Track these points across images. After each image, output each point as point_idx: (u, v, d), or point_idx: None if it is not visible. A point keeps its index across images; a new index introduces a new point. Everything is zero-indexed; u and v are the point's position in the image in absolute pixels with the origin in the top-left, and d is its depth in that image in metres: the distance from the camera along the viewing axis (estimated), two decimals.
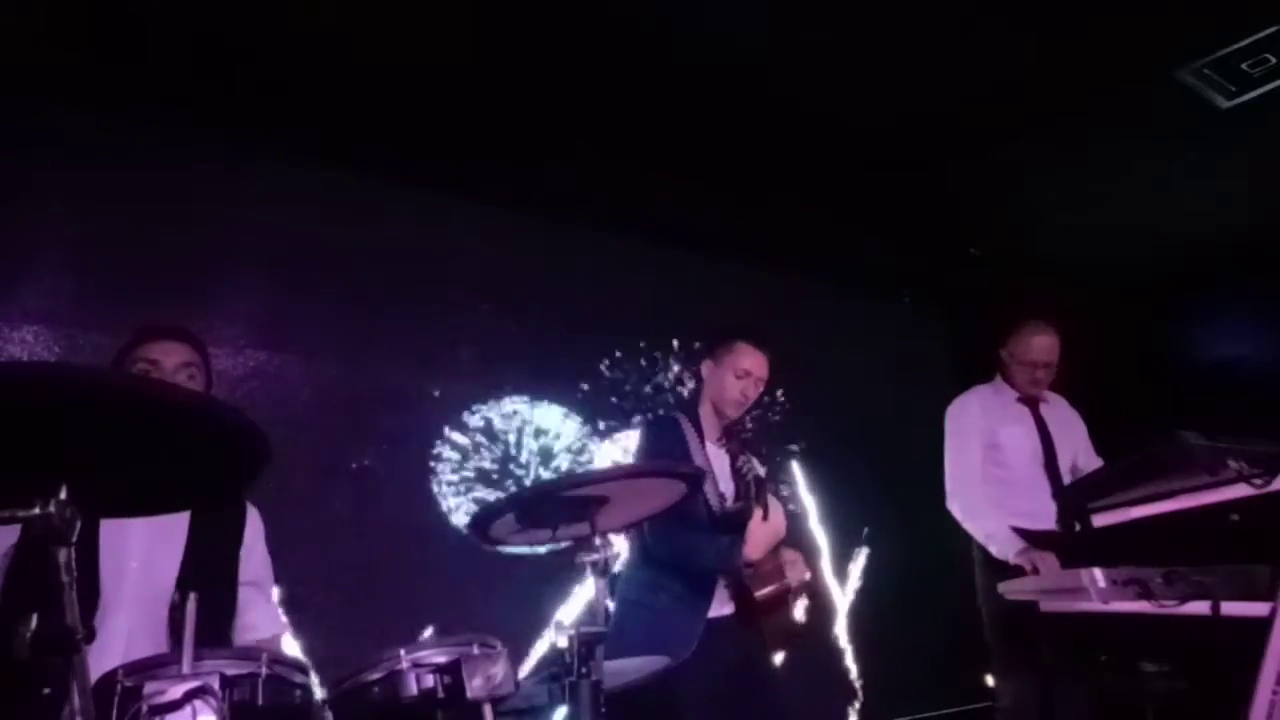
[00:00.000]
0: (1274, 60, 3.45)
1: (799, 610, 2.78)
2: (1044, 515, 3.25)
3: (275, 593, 2.42)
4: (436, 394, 3.87)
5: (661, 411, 4.22)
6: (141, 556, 2.03)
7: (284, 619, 2.38)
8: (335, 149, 3.70)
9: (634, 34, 3.25)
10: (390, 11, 3.03)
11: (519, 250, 4.20)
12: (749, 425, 4.58)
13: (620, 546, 3.20)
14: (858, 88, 3.69)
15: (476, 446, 3.89)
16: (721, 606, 2.67)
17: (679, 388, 4.49)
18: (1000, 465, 3.37)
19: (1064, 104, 3.82)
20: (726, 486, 2.76)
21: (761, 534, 2.61)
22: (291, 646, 3.02)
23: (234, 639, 2.18)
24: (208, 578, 2.02)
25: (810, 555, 4.80)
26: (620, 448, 4.30)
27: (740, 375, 2.81)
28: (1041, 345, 3.41)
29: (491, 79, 3.44)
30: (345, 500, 3.53)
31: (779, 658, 2.89)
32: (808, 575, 2.77)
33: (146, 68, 3.17)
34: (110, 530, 1.97)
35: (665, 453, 2.72)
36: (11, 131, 3.07)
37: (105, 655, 1.71)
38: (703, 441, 2.79)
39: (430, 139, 3.72)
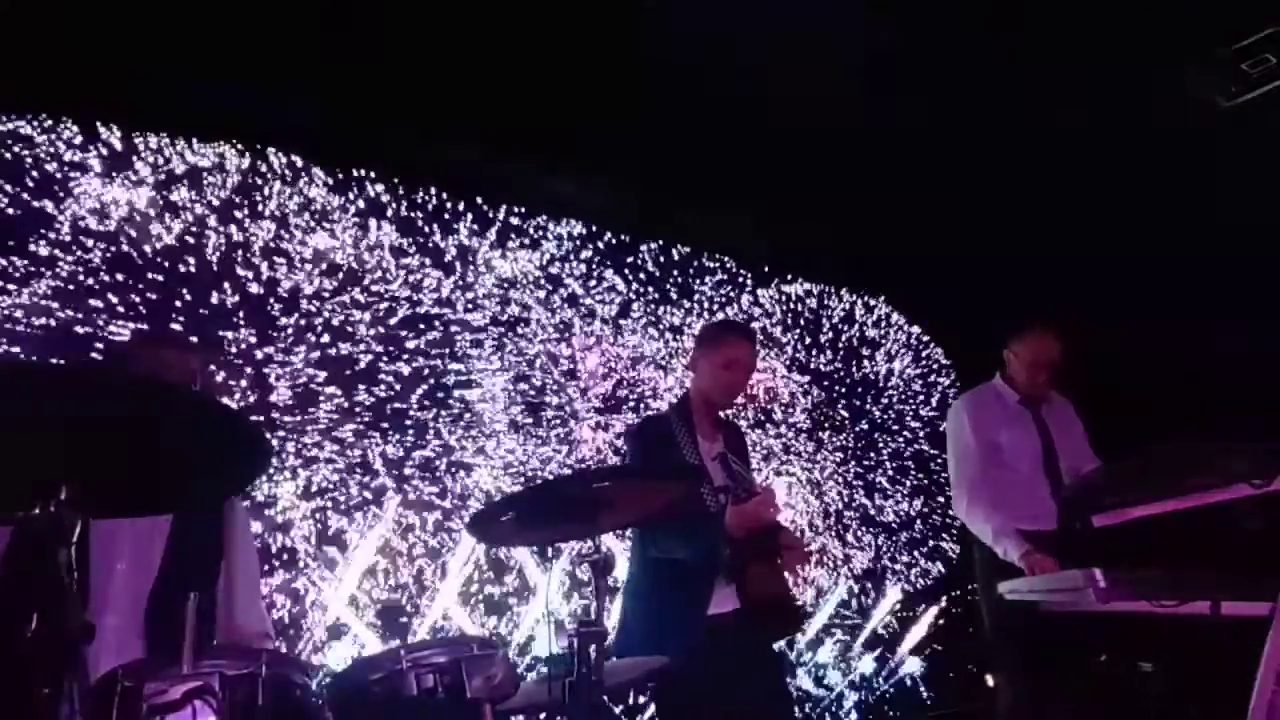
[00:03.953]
0: (1274, 60, 3.45)
1: (800, 604, 2.79)
2: (1045, 516, 3.25)
3: (260, 590, 2.41)
4: None
5: (650, 413, 4.22)
6: (127, 556, 2.03)
7: (269, 620, 2.36)
8: None
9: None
10: None
11: None
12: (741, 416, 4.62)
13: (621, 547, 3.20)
14: (857, 91, 3.69)
15: None
16: (722, 604, 2.67)
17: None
18: (1002, 466, 3.36)
19: (1064, 104, 3.82)
20: (721, 482, 2.76)
21: (738, 513, 2.61)
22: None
23: (218, 636, 2.17)
24: (191, 577, 2.01)
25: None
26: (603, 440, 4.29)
27: (728, 366, 2.82)
28: (1046, 347, 3.41)
29: None
30: None
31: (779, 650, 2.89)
32: (807, 576, 2.77)
33: None
34: (96, 530, 1.97)
35: (656, 455, 2.73)
36: (12, 128, 3.07)
37: (96, 655, 1.71)
38: (694, 438, 2.80)
39: None
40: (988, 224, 4.96)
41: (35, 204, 3.09)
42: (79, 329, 3.06)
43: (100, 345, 3.07)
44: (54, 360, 2.96)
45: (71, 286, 3.10)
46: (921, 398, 5.77)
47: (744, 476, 2.71)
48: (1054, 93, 3.73)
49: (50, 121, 3.15)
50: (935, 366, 5.91)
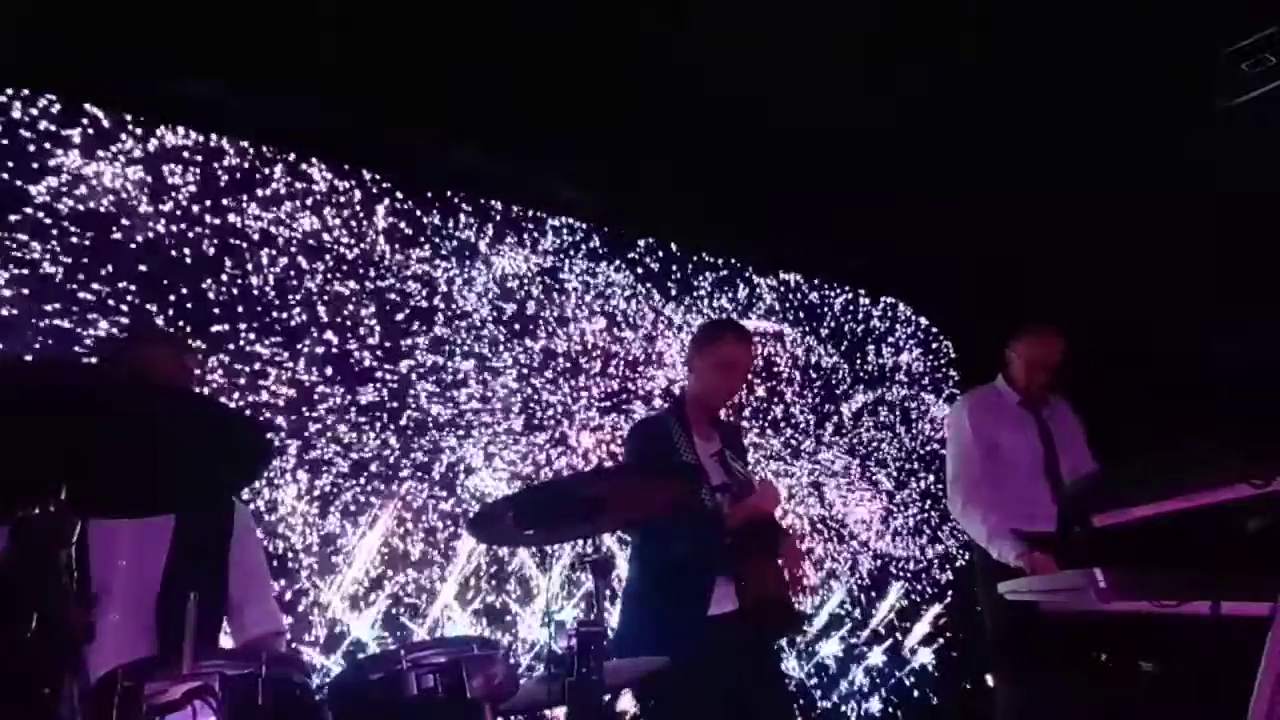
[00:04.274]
0: (1274, 60, 3.45)
1: (800, 605, 2.79)
2: (1045, 517, 3.25)
3: (274, 589, 2.42)
4: None
5: (648, 414, 4.22)
6: (129, 555, 2.03)
7: (282, 617, 2.37)
8: None
9: None
10: None
11: None
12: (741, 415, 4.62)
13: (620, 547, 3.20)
14: (857, 90, 3.69)
15: None
16: (723, 604, 2.67)
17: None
18: (1002, 467, 3.36)
19: (1064, 103, 3.82)
20: (719, 481, 2.76)
21: (738, 509, 2.63)
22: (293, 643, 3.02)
23: (233, 638, 2.17)
24: (195, 575, 2.02)
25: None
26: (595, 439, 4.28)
27: (723, 367, 2.82)
28: (1046, 348, 3.43)
29: None
30: None
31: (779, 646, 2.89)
32: (808, 573, 2.77)
33: None
34: (97, 529, 1.98)
35: (654, 455, 2.72)
36: (13, 124, 3.07)
37: (96, 654, 1.71)
38: (690, 438, 2.80)
39: None
40: (989, 224, 4.96)
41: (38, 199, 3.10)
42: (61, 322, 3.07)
43: (89, 342, 3.07)
44: (53, 359, 2.96)
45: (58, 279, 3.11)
46: (929, 397, 5.77)
47: (740, 474, 2.71)
48: (1054, 92, 3.73)
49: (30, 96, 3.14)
50: (941, 364, 5.91)
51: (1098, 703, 3.06)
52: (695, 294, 4.86)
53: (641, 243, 4.69)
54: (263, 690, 1.53)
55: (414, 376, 3.80)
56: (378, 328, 3.76)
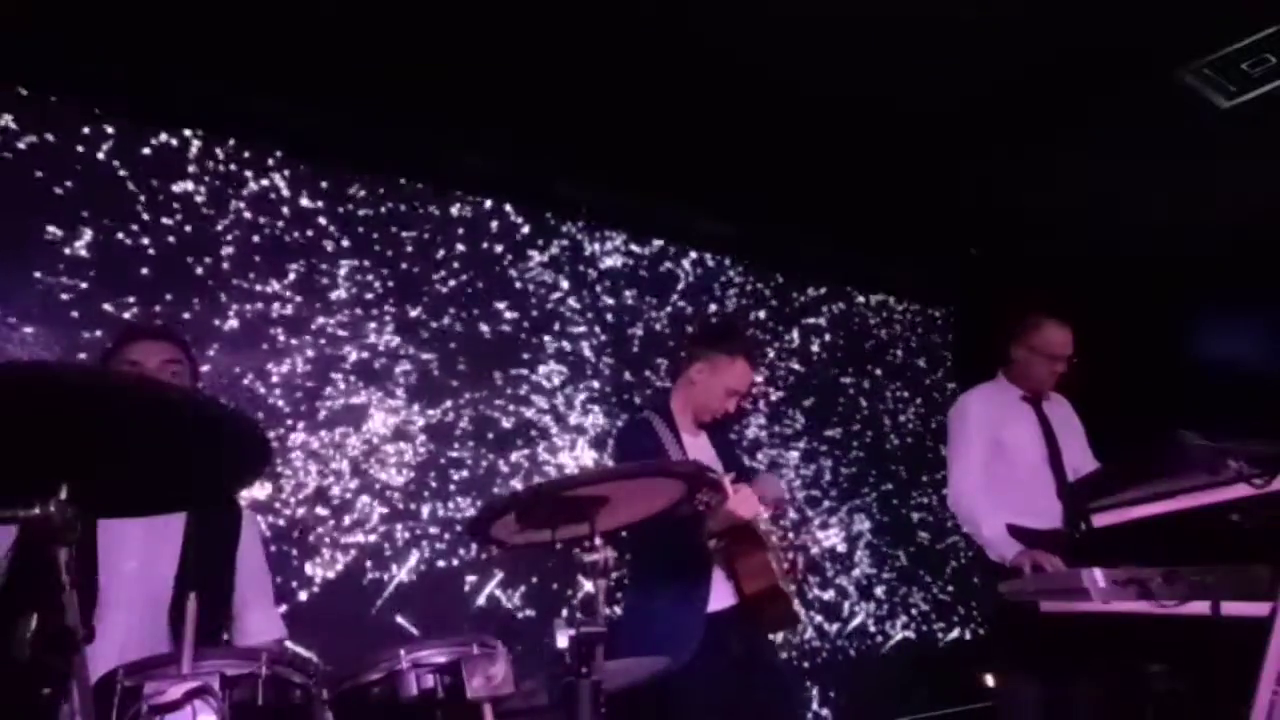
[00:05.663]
0: (1274, 60, 3.45)
1: (794, 601, 2.78)
2: (1049, 514, 3.25)
3: (274, 597, 2.43)
4: None
5: (632, 416, 4.21)
6: (139, 556, 2.04)
7: (283, 626, 2.37)
8: None
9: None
10: None
11: None
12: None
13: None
14: (860, 87, 3.69)
15: None
16: (722, 600, 2.67)
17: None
18: (1005, 464, 3.36)
19: (1064, 104, 3.82)
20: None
21: (718, 516, 2.61)
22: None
23: (235, 643, 2.18)
24: (204, 578, 2.03)
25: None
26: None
27: (734, 393, 2.80)
28: (1064, 338, 3.42)
29: None
30: None
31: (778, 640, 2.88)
32: (797, 567, 2.78)
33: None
34: (108, 530, 1.98)
35: (642, 456, 2.72)
36: (15, 125, 3.07)
37: (103, 655, 1.71)
38: (678, 436, 2.79)
39: None
40: (989, 222, 4.97)
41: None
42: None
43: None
44: (53, 359, 2.96)
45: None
46: (922, 399, 5.77)
47: (717, 482, 2.70)
48: (1053, 91, 3.73)
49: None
50: (940, 370, 5.91)
51: (1098, 703, 3.07)
52: (692, 293, 4.86)
53: (639, 242, 4.69)
54: (263, 690, 1.53)
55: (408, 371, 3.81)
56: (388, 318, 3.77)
